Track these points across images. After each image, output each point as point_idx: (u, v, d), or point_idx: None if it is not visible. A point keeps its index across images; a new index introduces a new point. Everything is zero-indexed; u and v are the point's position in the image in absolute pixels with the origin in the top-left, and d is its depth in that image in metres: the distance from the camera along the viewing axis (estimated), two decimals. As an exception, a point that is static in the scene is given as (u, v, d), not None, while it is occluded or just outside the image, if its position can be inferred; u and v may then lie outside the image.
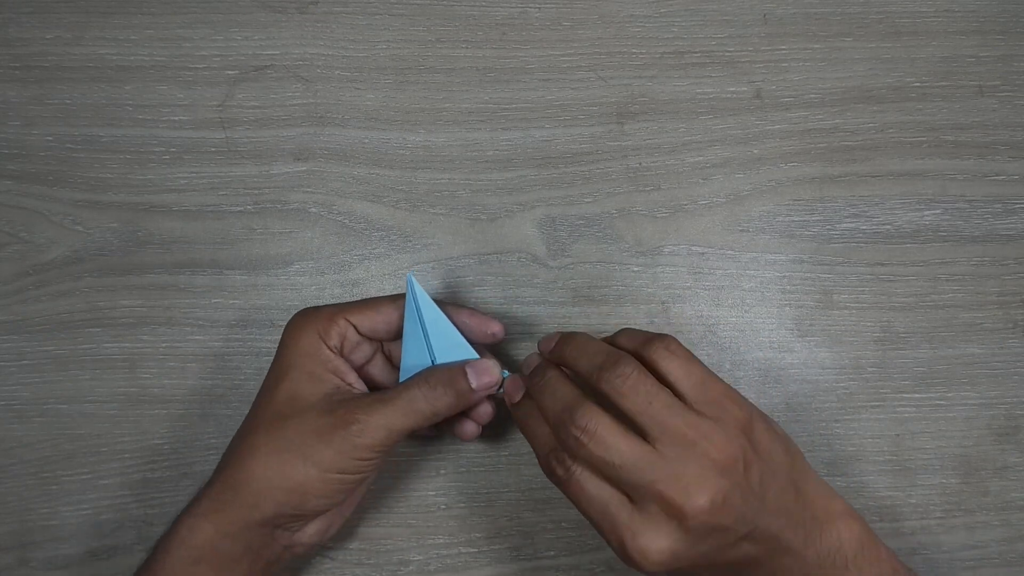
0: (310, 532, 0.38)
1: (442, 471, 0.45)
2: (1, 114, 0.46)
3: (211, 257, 0.46)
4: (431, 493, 0.45)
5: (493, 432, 0.45)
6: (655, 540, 0.33)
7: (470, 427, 0.40)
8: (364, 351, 0.39)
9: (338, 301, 0.46)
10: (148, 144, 0.46)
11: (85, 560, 0.43)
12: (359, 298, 0.41)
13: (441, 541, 0.44)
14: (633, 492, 0.33)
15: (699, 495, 0.32)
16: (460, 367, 0.37)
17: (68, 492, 0.44)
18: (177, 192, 0.46)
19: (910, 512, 0.45)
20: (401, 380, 0.39)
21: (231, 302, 0.45)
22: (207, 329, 0.45)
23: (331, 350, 0.37)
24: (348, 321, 0.38)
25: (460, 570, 0.44)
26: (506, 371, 0.39)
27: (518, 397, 0.38)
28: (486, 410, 0.40)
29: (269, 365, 0.38)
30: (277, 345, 0.38)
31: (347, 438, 0.35)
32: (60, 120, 0.46)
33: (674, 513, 0.32)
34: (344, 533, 0.43)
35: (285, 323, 0.45)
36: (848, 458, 0.45)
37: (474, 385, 0.37)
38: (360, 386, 0.38)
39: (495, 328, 0.40)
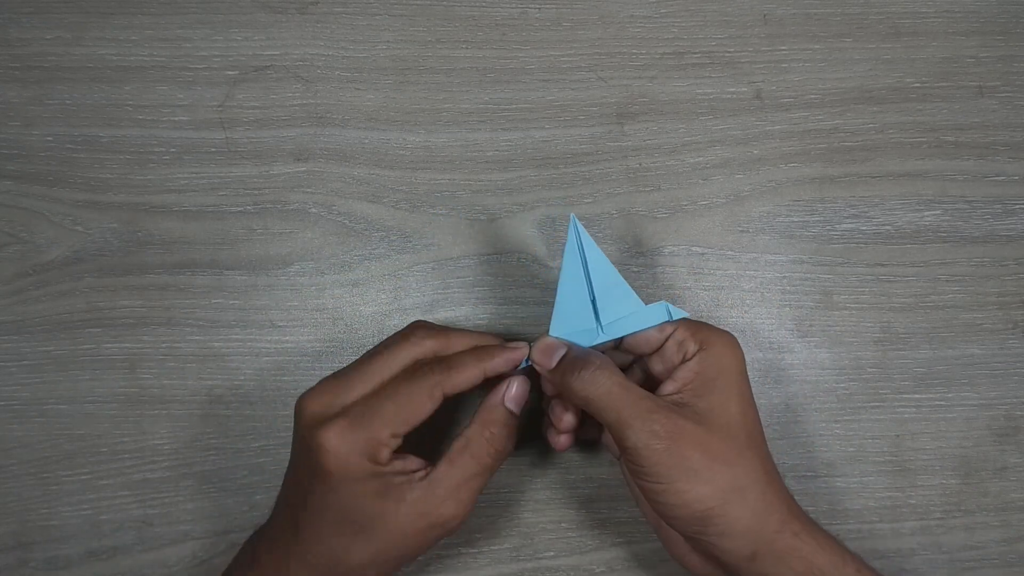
0: None
1: (442, 471, 0.45)
2: (1, 114, 0.46)
3: (211, 257, 0.46)
4: (431, 493, 0.45)
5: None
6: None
7: (564, 439, 0.40)
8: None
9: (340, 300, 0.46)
10: (148, 144, 0.46)
11: (85, 560, 0.43)
12: (364, 349, 0.39)
13: (441, 541, 0.44)
14: None
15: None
16: (504, 408, 0.37)
17: (68, 492, 0.44)
18: (177, 192, 0.46)
19: (910, 513, 0.45)
20: (553, 323, 0.38)
21: (231, 302, 0.45)
22: (207, 329, 0.45)
23: (382, 464, 0.35)
24: (396, 436, 0.35)
25: (460, 570, 0.44)
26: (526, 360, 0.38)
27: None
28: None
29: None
30: (298, 444, 0.36)
31: (443, 530, 0.36)
32: (60, 120, 0.46)
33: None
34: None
35: (285, 323, 0.45)
36: (848, 458, 0.45)
37: (517, 414, 0.37)
38: (417, 463, 0.36)
39: (519, 355, 0.38)
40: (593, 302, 0.38)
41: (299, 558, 0.36)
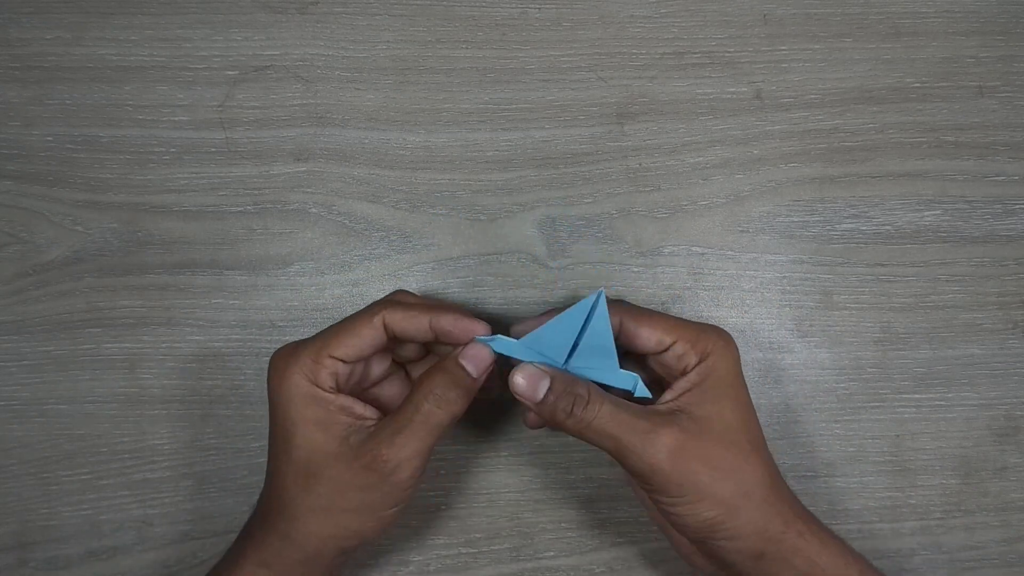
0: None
1: (442, 471, 0.45)
2: (1, 114, 0.46)
3: (211, 257, 0.46)
4: (431, 493, 0.45)
5: (492, 433, 0.45)
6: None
7: (533, 417, 0.39)
8: (375, 368, 0.39)
9: (331, 302, 0.46)
10: (148, 144, 0.46)
11: (85, 560, 0.43)
12: (343, 313, 0.39)
13: (441, 542, 0.44)
14: None
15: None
16: (455, 361, 0.36)
17: (68, 492, 0.44)
18: (177, 192, 0.46)
19: (910, 513, 0.45)
20: (527, 337, 0.36)
21: (231, 302, 0.45)
22: (207, 329, 0.45)
23: (328, 391, 0.36)
24: (334, 358, 0.36)
25: (460, 570, 0.44)
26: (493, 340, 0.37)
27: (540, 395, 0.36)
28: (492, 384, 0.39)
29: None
30: (267, 390, 0.37)
31: (386, 480, 0.35)
32: (60, 120, 0.46)
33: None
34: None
35: (285, 323, 0.45)
36: (848, 458, 0.45)
37: (475, 375, 0.36)
38: (370, 412, 0.37)
39: (472, 325, 0.38)
40: (573, 348, 0.36)
41: (261, 520, 0.37)
